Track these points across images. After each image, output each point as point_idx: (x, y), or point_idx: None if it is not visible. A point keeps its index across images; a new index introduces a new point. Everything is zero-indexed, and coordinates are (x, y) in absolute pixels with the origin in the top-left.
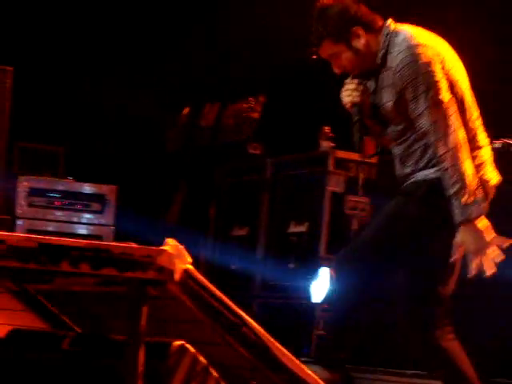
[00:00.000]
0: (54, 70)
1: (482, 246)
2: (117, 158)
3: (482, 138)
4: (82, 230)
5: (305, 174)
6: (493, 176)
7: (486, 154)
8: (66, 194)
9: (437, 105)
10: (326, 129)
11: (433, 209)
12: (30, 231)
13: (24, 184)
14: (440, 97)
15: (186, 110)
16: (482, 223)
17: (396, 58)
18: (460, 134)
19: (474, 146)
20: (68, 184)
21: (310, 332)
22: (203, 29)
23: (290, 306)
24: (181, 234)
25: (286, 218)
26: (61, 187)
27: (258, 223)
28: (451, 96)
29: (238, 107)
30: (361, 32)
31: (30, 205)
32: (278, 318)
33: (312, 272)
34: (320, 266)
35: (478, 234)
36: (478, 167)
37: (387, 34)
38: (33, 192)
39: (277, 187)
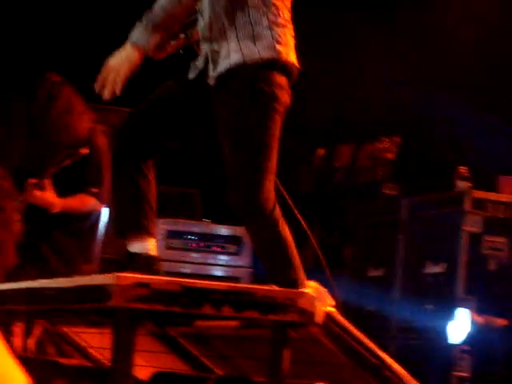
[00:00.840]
0: None
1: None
2: None
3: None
4: (219, 272)
5: (441, 214)
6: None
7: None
8: (203, 236)
9: None
10: (462, 169)
11: None
12: (167, 273)
13: (162, 227)
14: None
15: (321, 151)
16: None
17: None
18: None
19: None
20: (204, 226)
21: (449, 373)
22: (340, 69)
23: (427, 347)
24: (316, 274)
25: (422, 258)
26: (197, 229)
27: (393, 264)
28: None
29: (373, 148)
30: None
31: (168, 247)
32: (415, 359)
33: (449, 313)
34: (457, 307)
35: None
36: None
37: None
38: (170, 234)
39: (413, 227)
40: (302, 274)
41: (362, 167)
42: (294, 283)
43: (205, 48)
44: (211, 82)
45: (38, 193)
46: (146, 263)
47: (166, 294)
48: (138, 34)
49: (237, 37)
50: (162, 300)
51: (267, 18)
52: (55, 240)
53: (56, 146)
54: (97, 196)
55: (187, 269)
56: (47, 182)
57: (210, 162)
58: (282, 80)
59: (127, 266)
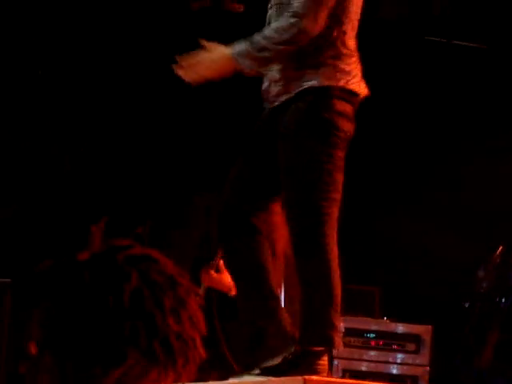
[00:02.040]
0: (368, 211)
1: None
2: (432, 297)
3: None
4: (396, 370)
5: None
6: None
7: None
8: (381, 334)
9: None
10: None
11: None
12: (345, 371)
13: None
14: None
15: (500, 249)
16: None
17: None
18: None
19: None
20: (383, 324)
21: None
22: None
23: None
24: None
25: None
26: (376, 327)
27: None
28: None
29: None
30: None
31: (346, 345)
32: None
33: None
34: None
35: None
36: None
37: None
38: (349, 332)
39: None
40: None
41: None
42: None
43: (269, 74)
44: (272, 105)
45: (214, 275)
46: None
47: None
48: (242, 52)
49: (300, 64)
50: None
51: (332, 48)
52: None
53: None
54: None
55: (364, 367)
56: (222, 264)
57: (391, 259)
58: (344, 107)
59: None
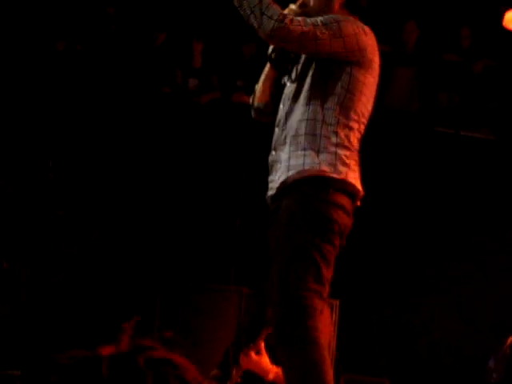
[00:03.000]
0: (376, 300)
1: None
2: None
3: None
4: None
5: None
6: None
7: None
8: None
9: None
10: None
11: None
12: None
13: None
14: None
15: (510, 340)
16: None
17: None
18: None
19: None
20: None
21: None
22: None
23: None
24: None
25: None
26: None
27: None
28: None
29: None
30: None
31: None
32: None
33: None
34: None
35: None
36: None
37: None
38: None
39: None
40: None
41: None
42: None
43: (270, 159)
44: (272, 191)
45: (254, 357)
46: None
47: None
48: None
49: (303, 146)
50: None
51: (336, 137)
52: None
53: None
54: None
55: None
56: (263, 345)
57: (399, 349)
58: (341, 200)
59: None
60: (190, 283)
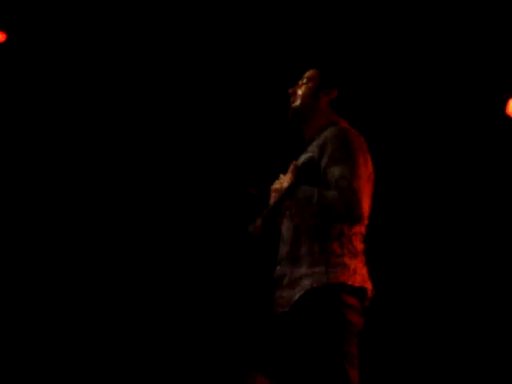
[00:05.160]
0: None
1: None
2: None
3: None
4: None
5: None
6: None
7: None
8: None
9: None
10: None
11: None
12: None
13: None
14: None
15: None
16: None
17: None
18: None
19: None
20: None
21: None
22: None
23: None
24: None
25: None
26: None
27: None
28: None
29: None
30: (330, 96)
31: None
32: None
33: None
34: None
35: None
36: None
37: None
38: None
39: None
40: None
41: None
42: None
43: (279, 271)
44: (285, 308)
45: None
46: None
47: None
48: (306, 191)
49: (311, 263)
50: None
51: (342, 248)
52: None
53: None
54: None
55: None
56: None
57: None
58: (352, 301)
59: None
60: None
